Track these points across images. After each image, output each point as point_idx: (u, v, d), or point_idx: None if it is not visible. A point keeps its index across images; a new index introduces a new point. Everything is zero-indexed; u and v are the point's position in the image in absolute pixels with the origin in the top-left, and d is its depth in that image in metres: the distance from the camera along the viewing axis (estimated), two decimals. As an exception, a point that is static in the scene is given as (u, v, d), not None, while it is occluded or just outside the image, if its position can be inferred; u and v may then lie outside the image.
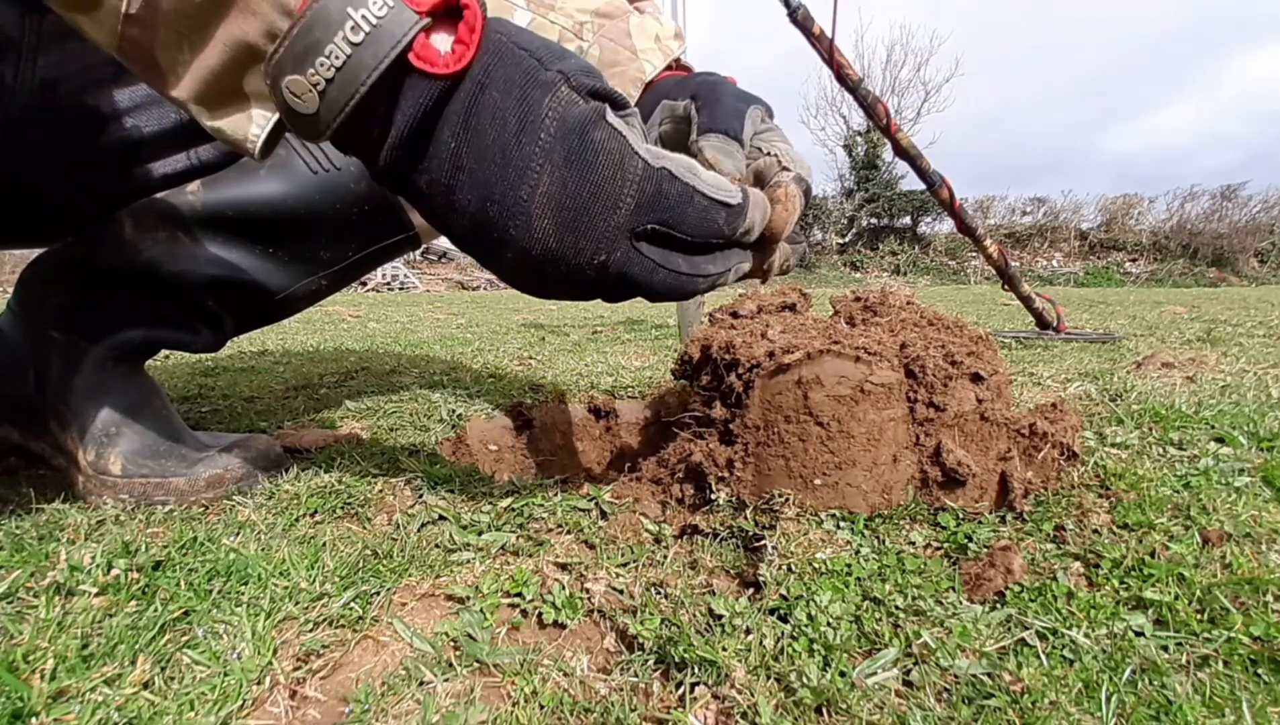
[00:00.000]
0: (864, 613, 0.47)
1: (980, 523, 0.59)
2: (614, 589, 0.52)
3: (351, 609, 0.49)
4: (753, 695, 0.39)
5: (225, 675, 0.41)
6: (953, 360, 0.64)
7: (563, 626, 0.48)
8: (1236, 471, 0.66)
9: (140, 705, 0.39)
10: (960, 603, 0.48)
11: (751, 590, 0.53)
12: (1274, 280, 15.26)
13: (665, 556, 0.58)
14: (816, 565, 0.52)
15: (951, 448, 0.61)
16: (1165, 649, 0.42)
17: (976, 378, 0.64)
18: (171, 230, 0.76)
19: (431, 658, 0.44)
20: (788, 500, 0.61)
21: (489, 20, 0.42)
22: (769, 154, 0.62)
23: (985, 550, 0.54)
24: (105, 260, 0.75)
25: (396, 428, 1.01)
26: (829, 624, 0.46)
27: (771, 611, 0.48)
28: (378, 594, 0.51)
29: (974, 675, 0.41)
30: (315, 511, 0.66)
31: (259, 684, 0.41)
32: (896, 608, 0.47)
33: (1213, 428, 0.81)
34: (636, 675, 0.43)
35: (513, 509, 0.65)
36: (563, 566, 0.55)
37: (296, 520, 0.64)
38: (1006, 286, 2.00)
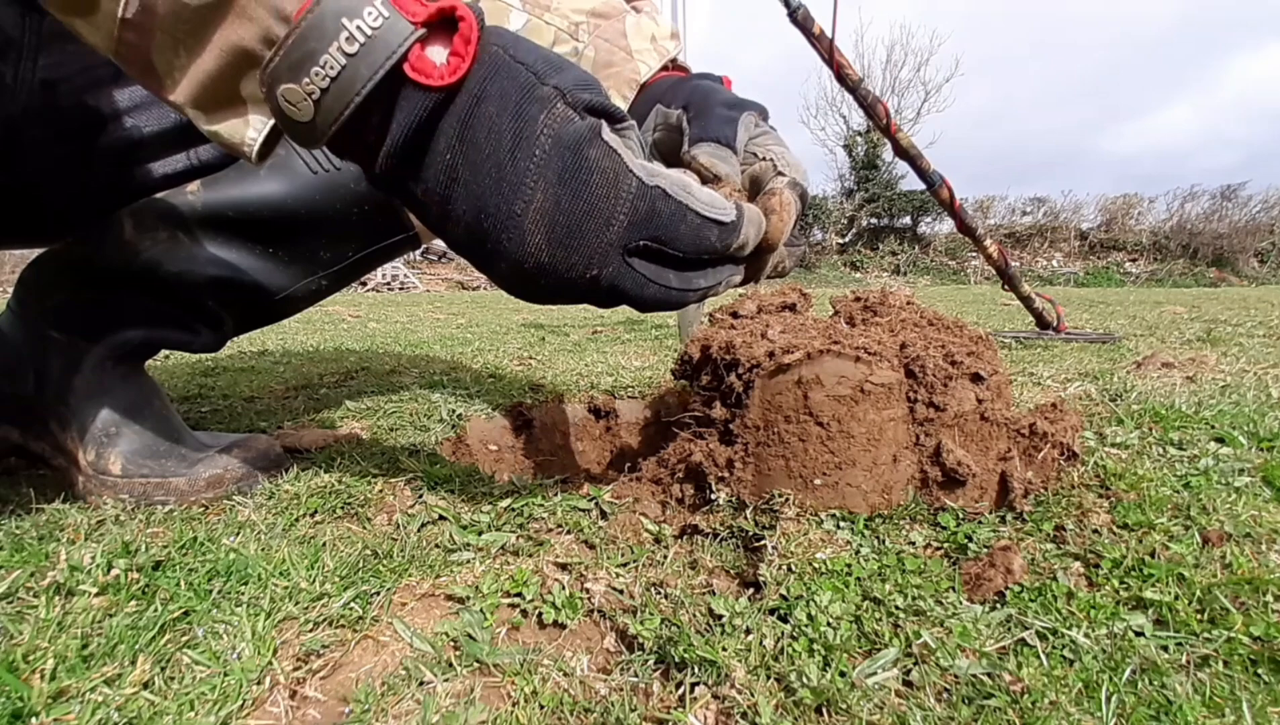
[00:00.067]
0: (864, 613, 0.47)
1: (980, 523, 0.59)
2: (614, 589, 0.52)
3: (351, 609, 0.49)
4: (753, 695, 0.39)
5: (225, 675, 0.41)
6: (953, 360, 0.64)
7: (563, 626, 0.48)
8: (1236, 471, 0.66)
9: (140, 705, 0.39)
10: (960, 603, 0.48)
11: (751, 590, 0.53)
12: (1274, 280, 15.26)
13: (665, 556, 0.58)
14: (816, 565, 0.52)
15: (951, 448, 0.61)
16: (1165, 649, 0.42)
17: (976, 378, 0.64)
18: (171, 230, 0.76)
19: (431, 658, 0.44)
20: (788, 500, 0.61)
21: (486, 31, 0.42)
22: (764, 159, 0.62)
23: (985, 550, 0.54)
24: (105, 260, 0.75)
25: (396, 428, 1.01)
26: (829, 624, 0.46)
27: (771, 611, 0.48)
28: (378, 594, 0.51)
29: (974, 675, 0.41)
30: (315, 511, 0.66)
31: (259, 684, 0.41)
32: (896, 608, 0.47)
33: (1213, 428, 0.81)
34: (636, 675, 0.43)
35: (513, 509, 0.65)
36: (563, 566, 0.55)
37: (296, 520, 0.64)
38: (1006, 286, 2.00)
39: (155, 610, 0.48)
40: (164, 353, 1.65)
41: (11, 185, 0.65)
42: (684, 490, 0.69)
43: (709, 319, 0.81)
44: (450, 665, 0.43)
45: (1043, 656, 0.42)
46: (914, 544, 0.57)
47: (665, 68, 0.72)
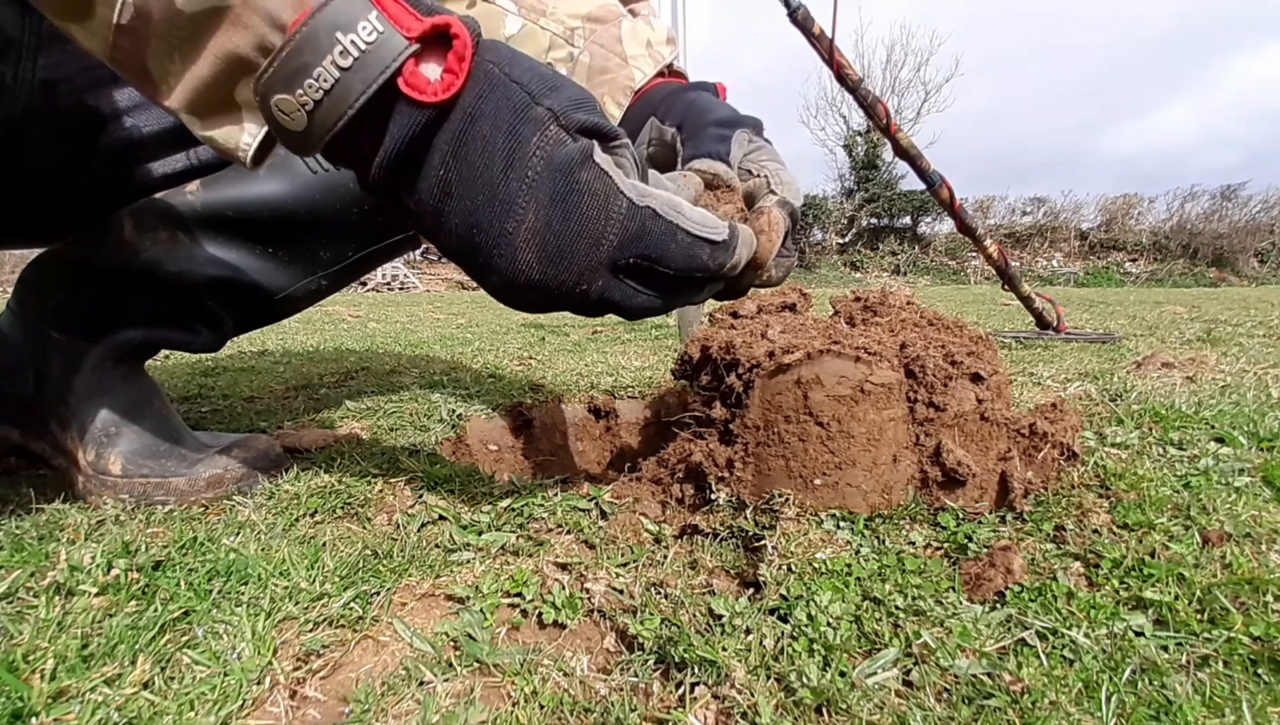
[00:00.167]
0: (864, 613, 0.47)
1: (980, 523, 0.59)
2: (614, 589, 0.52)
3: (351, 609, 0.49)
4: (753, 695, 0.39)
5: (225, 675, 0.41)
6: (953, 360, 0.64)
7: (563, 626, 0.48)
8: (1236, 471, 0.66)
9: (140, 705, 0.39)
10: (960, 603, 0.48)
11: (751, 590, 0.53)
12: (1274, 280, 15.26)
13: (665, 556, 0.58)
14: (816, 565, 0.52)
15: (951, 448, 0.61)
16: (1165, 649, 0.42)
17: (976, 378, 0.64)
18: (171, 230, 0.76)
19: (431, 658, 0.44)
20: (788, 500, 0.61)
21: (482, 47, 0.42)
22: (759, 175, 0.62)
23: (985, 550, 0.54)
24: (105, 260, 0.75)
25: (396, 428, 1.01)
26: (829, 624, 0.46)
27: (771, 611, 0.48)
28: (378, 594, 0.51)
29: (974, 675, 0.41)
30: (315, 511, 0.66)
31: (259, 684, 0.41)
32: (896, 608, 0.47)
33: (1213, 428, 0.81)
34: (636, 675, 0.43)
35: (513, 509, 0.65)
36: (563, 566, 0.55)
37: (296, 520, 0.64)
38: (1006, 286, 2.01)
39: (155, 610, 0.48)
40: (164, 353, 1.65)
41: (11, 185, 0.65)
42: (684, 490, 0.69)
43: (709, 319, 0.81)
44: (450, 665, 0.43)
45: (1043, 656, 0.42)
46: (914, 544, 0.57)
47: (661, 73, 0.72)
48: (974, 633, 0.44)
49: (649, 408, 1.09)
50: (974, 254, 15.77)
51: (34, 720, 0.37)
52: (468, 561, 0.56)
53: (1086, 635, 0.43)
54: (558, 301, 0.46)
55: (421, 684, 0.42)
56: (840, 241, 17.85)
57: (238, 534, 0.60)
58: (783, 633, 0.45)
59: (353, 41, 0.38)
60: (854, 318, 0.78)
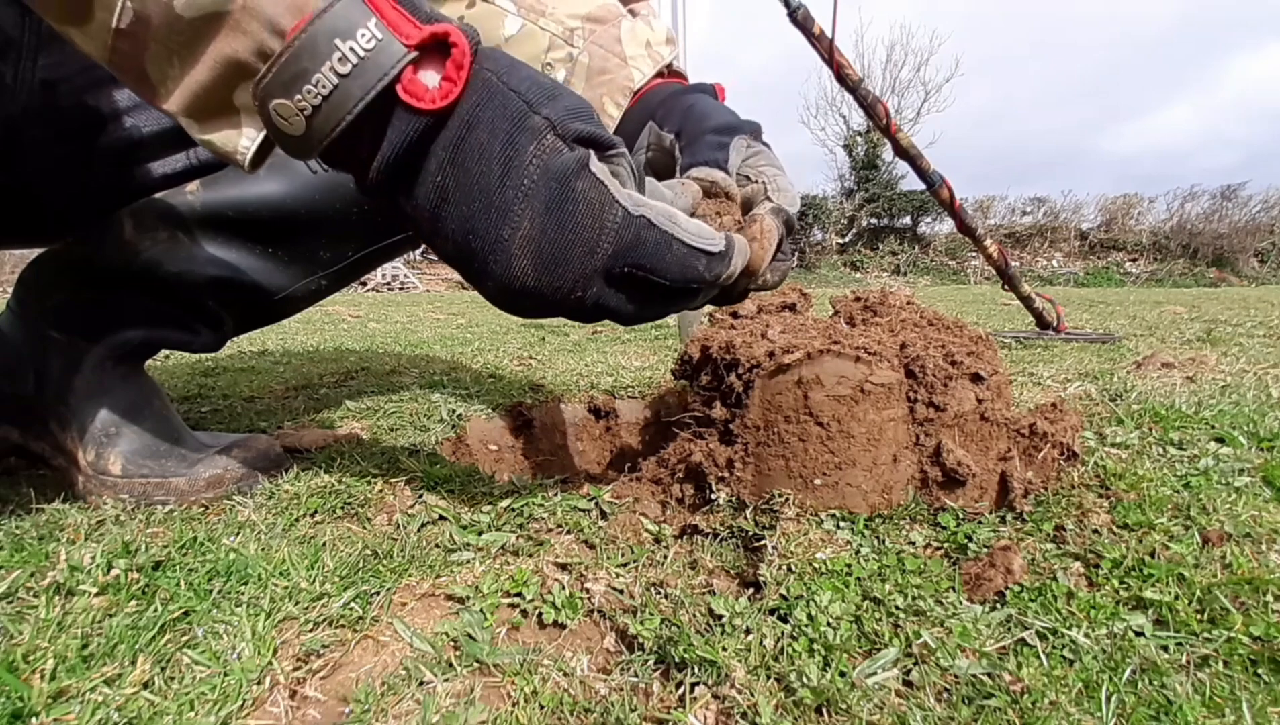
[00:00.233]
0: (864, 613, 0.47)
1: (980, 523, 0.59)
2: (614, 589, 0.52)
3: (351, 609, 0.49)
4: (753, 695, 0.39)
5: (225, 675, 0.41)
6: (953, 360, 0.64)
7: (563, 626, 0.48)
8: (1236, 471, 0.66)
9: (140, 705, 0.39)
10: (960, 603, 0.48)
11: (751, 590, 0.53)
12: (1274, 280, 15.26)
13: (665, 556, 0.58)
14: (816, 565, 0.52)
15: (951, 448, 0.61)
16: (1165, 649, 0.42)
17: (976, 378, 0.64)
18: (171, 230, 0.76)
19: (431, 658, 0.44)
20: (788, 500, 0.61)
21: (480, 55, 0.42)
22: (756, 181, 0.62)
23: (985, 550, 0.54)
24: (105, 260, 0.75)
25: (396, 428, 1.01)
26: (829, 624, 0.46)
27: (771, 611, 0.48)
28: (378, 594, 0.51)
29: (974, 675, 0.41)
30: (315, 511, 0.66)
31: (259, 684, 0.41)
32: (896, 608, 0.47)
33: (1213, 428, 0.81)
34: (636, 675, 0.43)
35: (513, 509, 0.65)
36: (563, 566, 0.55)
37: (296, 520, 0.64)
38: (1006, 286, 2.01)
39: (155, 610, 0.48)
40: (164, 353, 1.65)
41: (11, 185, 0.65)
42: (684, 490, 0.69)
43: (709, 319, 0.81)
44: (450, 665, 0.43)
45: (1043, 656, 0.42)
46: (914, 544, 0.57)
47: (661, 74, 0.72)
48: (974, 633, 0.44)
49: (649, 408, 1.09)
50: (974, 254, 15.77)
51: (34, 720, 0.37)
52: (468, 561, 0.56)
53: (1086, 635, 0.43)
54: (552, 308, 0.46)
55: (421, 684, 0.42)
56: (840, 241, 17.85)
57: (238, 534, 0.60)
58: (783, 633, 0.45)
59: (351, 48, 0.38)
60: (854, 318, 0.78)
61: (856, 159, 18.11)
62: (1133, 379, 1.18)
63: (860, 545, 0.56)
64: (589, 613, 0.50)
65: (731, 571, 0.57)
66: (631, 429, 1.06)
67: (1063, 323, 2.05)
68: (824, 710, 0.39)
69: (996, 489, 0.62)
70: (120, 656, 0.43)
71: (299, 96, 0.39)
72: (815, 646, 0.44)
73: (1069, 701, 0.38)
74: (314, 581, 0.52)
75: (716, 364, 0.70)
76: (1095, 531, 0.56)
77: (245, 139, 0.42)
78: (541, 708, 0.40)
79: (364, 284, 12.64)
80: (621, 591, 0.52)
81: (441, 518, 0.64)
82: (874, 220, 18.01)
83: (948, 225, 17.18)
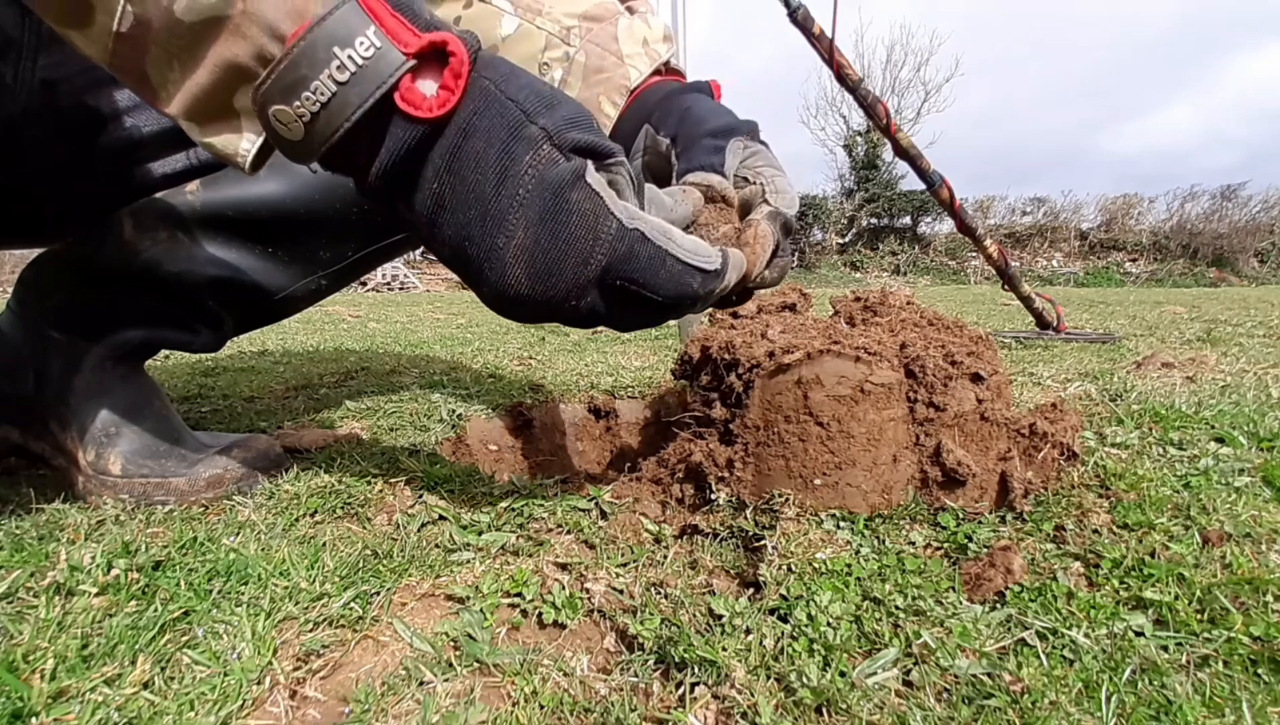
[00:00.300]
0: (864, 613, 0.47)
1: (980, 523, 0.59)
2: (614, 589, 0.52)
3: (351, 609, 0.49)
4: (753, 695, 0.39)
5: (225, 675, 0.41)
6: (953, 360, 0.64)
7: (563, 626, 0.48)
8: (1236, 471, 0.66)
9: (140, 705, 0.39)
10: (960, 603, 0.48)
11: (751, 590, 0.53)
12: (1274, 280, 15.26)
13: (665, 556, 0.58)
14: (816, 565, 0.52)
15: (951, 448, 0.61)
16: (1165, 649, 0.42)
17: (976, 378, 0.64)
18: (171, 230, 0.75)
19: (431, 658, 0.44)
20: (788, 500, 0.61)
21: (480, 63, 0.42)
22: (754, 182, 0.62)
23: (985, 550, 0.54)
24: (105, 260, 0.75)
25: (396, 428, 1.01)
26: (829, 624, 0.46)
27: (771, 611, 0.48)
28: (378, 594, 0.51)
29: (974, 675, 0.41)
30: (315, 511, 0.66)
31: (259, 684, 0.41)
32: (896, 608, 0.47)
33: (1213, 428, 0.81)
34: (636, 675, 0.43)
35: (513, 509, 0.65)
36: (563, 566, 0.55)
37: (296, 520, 0.64)
38: (1006, 286, 2.01)
39: (155, 610, 0.48)
40: (164, 353, 1.65)
41: (11, 185, 0.65)
42: (684, 490, 0.69)
43: (709, 319, 0.81)
44: (450, 665, 0.43)
45: (1043, 656, 0.42)
46: (914, 544, 0.57)
47: (658, 71, 0.72)
48: (974, 633, 0.44)
49: (649, 408, 1.09)
50: (974, 254, 15.78)
51: (34, 720, 0.37)
52: (468, 561, 0.56)
53: (1086, 635, 0.43)
54: (547, 315, 0.47)
55: (421, 684, 0.42)
56: (840, 241, 17.85)
57: (238, 534, 0.60)
58: (783, 633, 0.45)
59: (350, 56, 0.38)
60: (854, 318, 0.78)
61: (856, 159, 18.11)
62: (1133, 379, 1.18)
63: (860, 545, 0.56)
64: (589, 613, 0.50)
65: (731, 571, 0.57)
66: (631, 429, 1.06)
67: (1063, 323, 2.05)
68: (824, 710, 0.39)
69: (996, 489, 0.62)
70: (120, 656, 0.43)
71: (298, 103, 0.39)
72: (815, 646, 0.44)
73: (1069, 701, 0.38)
74: (314, 581, 0.52)
75: (716, 364, 0.70)
76: (1095, 531, 0.56)
77: (245, 142, 0.43)
78: (541, 708, 0.40)
79: (364, 284, 12.64)
80: (621, 591, 0.52)
81: (441, 518, 0.64)
82: (874, 220, 18.01)
83: (948, 225, 17.19)
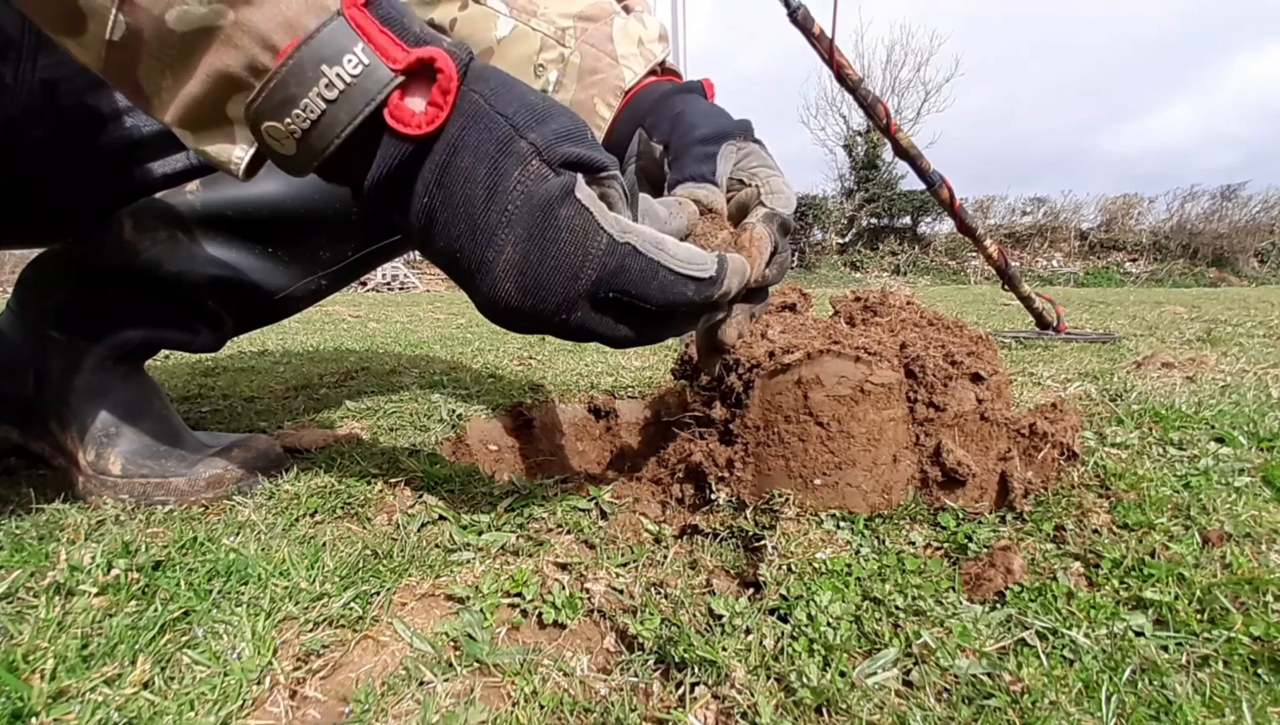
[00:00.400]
0: (864, 613, 0.47)
1: (980, 523, 0.59)
2: (614, 589, 0.52)
3: (351, 609, 0.49)
4: (753, 695, 0.39)
5: (225, 675, 0.41)
6: (953, 360, 0.64)
7: (563, 626, 0.48)
8: (1236, 471, 0.66)
9: (140, 705, 0.39)
10: (960, 603, 0.48)
11: (751, 590, 0.53)
12: (1274, 280, 15.26)
13: (665, 556, 0.58)
14: (816, 565, 0.52)
15: (951, 448, 0.61)
16: (1165, 649, 0.42)
17: (976, 378, 0.64)
18: (171, 230, 0.75)
19: (431, 658, 0.44)
20: (788, 500, 0.61)
21: (470, 76, 0.43)
22: (750, 184, 0.62)
23: (985, 550, 0.54)
24: (105, 260, 0.75)
25: (396, 428, 1.01)
26: (829, 624, 0.46)
27: (771, 611, 0.48)
28: (378, 594, 0.51)
29: (974, 675, 0.41)
30: (315, 511, 0.66)
31: (259, 684, 0.41)
32: (896, 608, 0.47)
33: (1213, 428, 0.81)
34: (636, 675, 0.43)
35: (513, 509, 0.65)
36: (563, 566, 0.55)
37: (296, 520, 0.64)
38: (1006, 286, 2.01)
39: (155, 610, 0.48)
40: (164, 353, 1.65)
41: (11, 185, 0.65)
42: (684, 490, 0.69)
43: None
44: (450, 665, 0.43)
45: (1043, 656, 0.42)
46: (914, 544, 0.57)
47: (654, 71, 0.71)
48: (974, 633, 0.44)
49: (649, 408, 1.09)
50: (974, 254, 15.77)
51: (34, 720, 0.37)
52: (468, 561, 0.56)
53: (1086, 635, 0.43)
54: (539, 327, 0.47)
55: (421, 684, 0.42)
56: (840, 241, 17.85)
57: (238, 534, 0.60)
58: (783, 633, 0.45)
59: (338, 75, 0.39)
60: (854, 318, 0.78)
61: (856, 159, 18.11)
62: (1133, 379, 1.18)
63: (860, 545, 0.56)
64: (589, 613, 0.50)
65: (731, 571, 0.57)
66: (631, 429, 1.06)
67: (1063, 323, 2.05)
68: (824, 710, 0.39)
69: (996, 489, 0.62)
70: (120, 656, 0.43)
71: (289, 120, 0.39)
72: (815, 646, 0.44)
73: (1069, 701, 0.38)
74: (314, 581, 0.52)
75: (716, 364, 0.70)
76: (1095, 531, 0.56)
77: (239, 150, 0.43)
78: (541, 708, 0.40)
79: (364, 284, 12.64)
80: (621, 591, 0.52)
81: (441, 518, 0.64)
82: (874, 220, 18.01)
83: (948, 225, 17.19)
